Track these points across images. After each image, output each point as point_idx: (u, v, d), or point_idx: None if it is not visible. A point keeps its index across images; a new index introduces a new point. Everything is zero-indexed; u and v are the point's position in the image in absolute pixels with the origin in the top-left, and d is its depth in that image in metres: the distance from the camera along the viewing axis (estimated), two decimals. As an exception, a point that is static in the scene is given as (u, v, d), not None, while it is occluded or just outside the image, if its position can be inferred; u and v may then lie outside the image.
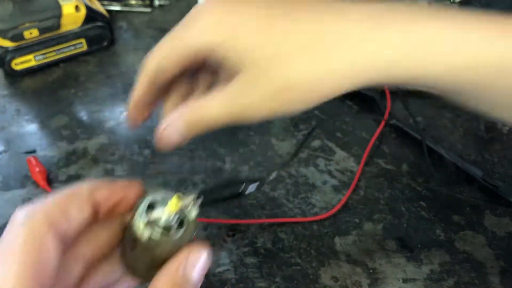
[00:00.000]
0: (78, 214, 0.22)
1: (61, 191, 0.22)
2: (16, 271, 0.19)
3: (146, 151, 0.47)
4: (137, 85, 0.31)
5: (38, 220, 0.20)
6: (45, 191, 0.43)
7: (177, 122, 0.27)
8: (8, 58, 0.55)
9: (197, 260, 0.22)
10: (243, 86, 0.25)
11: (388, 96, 0.51)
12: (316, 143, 0.48)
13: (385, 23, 0.24)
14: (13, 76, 0.57)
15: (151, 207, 0.23)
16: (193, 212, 0.23)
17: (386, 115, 0.49)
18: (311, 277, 0.36)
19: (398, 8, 0.25)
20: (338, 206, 0.41)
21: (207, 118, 0.26)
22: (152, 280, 0.21)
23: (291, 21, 0.25)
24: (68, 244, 0.22)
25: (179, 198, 0.23)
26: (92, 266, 0.24)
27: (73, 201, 0.22)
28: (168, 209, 0.22)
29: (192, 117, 0.27)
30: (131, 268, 0.24)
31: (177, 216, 0.23)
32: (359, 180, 0.43)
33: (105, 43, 0.61)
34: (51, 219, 0.21)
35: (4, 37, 0.54)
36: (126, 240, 0.23)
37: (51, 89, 0.56)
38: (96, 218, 0.23)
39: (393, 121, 0.48)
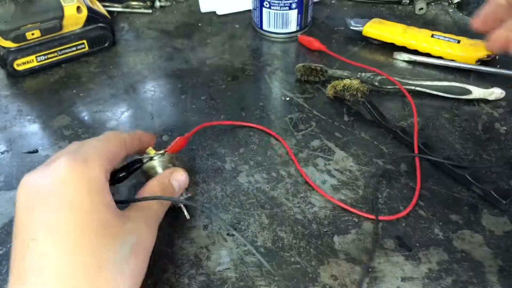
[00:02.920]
0: (120, 157, 0.37)
1: (109, 137, 0.36)
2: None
3: (147, 151, 0.47)
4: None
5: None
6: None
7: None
8: (10, 58, 0.56)
9: (177, 175, 0.39)
10: None
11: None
12: (315, 143, 0.48)
13: None
14: (15, 77, 0.58)
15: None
16: (162, 157, 0.40)
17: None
18: (310, 275, 0.36)
19: None
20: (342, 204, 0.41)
21: None
22: (147, 181, 0.38)
23: None
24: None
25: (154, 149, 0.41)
26: None
27: (120, 150, 0.36)
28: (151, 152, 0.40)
29: None
30: None
31: (157, 155, 0.40)
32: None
33: (106, 44, 0.61)
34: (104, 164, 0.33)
35: (6, 38, 0.55)
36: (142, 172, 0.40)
37: (53, 90, 0.56)
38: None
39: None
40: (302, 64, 0.55)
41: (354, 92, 0.50)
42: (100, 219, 0.30)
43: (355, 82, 0.51)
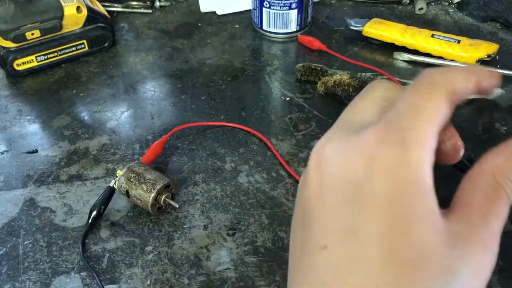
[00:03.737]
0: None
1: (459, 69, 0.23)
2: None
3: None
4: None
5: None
6: (48, 189, 0.44)
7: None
8: (10, 58, 0.56)
9: None
10: None
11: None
12: (315, 143, 0.48)
13: None
14: (15, 77, 0.58)
15: None
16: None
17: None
18: (310, 275, 0.36)
19: None
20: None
21: None
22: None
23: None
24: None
25: None
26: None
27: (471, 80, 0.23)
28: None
29: None
30: None
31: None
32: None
33: (106, 44, 0.61)
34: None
35: (6, 38, 0.55)
36: None
37: (53, 90, 0.56)
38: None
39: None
40: (302, 64, 0.55)
41: (346, 87, 0.51)
42: (419, 243, 0.19)
43: (346, 77, 0.51)
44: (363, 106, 0.24)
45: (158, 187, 0.39)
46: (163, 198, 0.40)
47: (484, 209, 0.21)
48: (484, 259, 0.21)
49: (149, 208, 0.40)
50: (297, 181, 0.44)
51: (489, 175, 0.22)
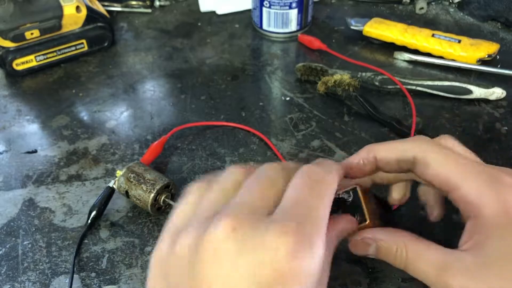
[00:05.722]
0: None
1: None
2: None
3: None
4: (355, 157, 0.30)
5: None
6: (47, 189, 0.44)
7: (370, 241, 0.28)
8: (9, 58, 0.55)
9: None
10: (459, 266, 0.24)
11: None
12: (315, 143, 0.48)
13: None
14: (14, 76, 0.58)
15: None
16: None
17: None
18: (310, 276, 0.36)
19: None
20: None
21: (400, 259, 0.27)
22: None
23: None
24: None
25: None
26: None
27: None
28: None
29: (388, 246, 0.27)
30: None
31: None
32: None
33: (105, 44, 0.61)
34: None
35: (5, 38, 0.55)
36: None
37: (52, 89, 0.56)
38: None
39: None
40: (302, 64, 0.55)
41: (346, 87, 0.50)
42: None
43: (346, 77, 0.51)
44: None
45: (157, 187, 0.39)
46: (162, 198, 0.40)
47: None
48: None
49: (149, 208, 0.39)
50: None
51: None
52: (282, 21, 0.62)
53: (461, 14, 0.67)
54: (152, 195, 0.39)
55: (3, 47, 0.56)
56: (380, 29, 0.60)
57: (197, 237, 0.22)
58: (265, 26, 0.63)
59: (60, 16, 0.57)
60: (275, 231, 0.21)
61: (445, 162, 0.26)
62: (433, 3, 0.69)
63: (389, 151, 0.28)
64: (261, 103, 0.53)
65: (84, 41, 0.59)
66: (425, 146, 0.27)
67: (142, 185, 0.39)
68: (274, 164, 0.26)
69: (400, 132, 0.47)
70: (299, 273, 0.20)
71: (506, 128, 0.49)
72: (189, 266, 0.22)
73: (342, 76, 0.51)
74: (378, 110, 0.49)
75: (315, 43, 0.60)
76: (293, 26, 0.62)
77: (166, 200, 0.40)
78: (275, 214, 0.22)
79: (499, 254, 0.23)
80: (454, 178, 0.26)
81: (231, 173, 0.26)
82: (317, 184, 0.24)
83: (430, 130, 0.49)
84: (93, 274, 0.37)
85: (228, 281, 0.20)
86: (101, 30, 0.60)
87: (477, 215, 0.25)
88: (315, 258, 0.21)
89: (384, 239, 0.27)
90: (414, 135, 0.46)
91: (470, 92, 0.51)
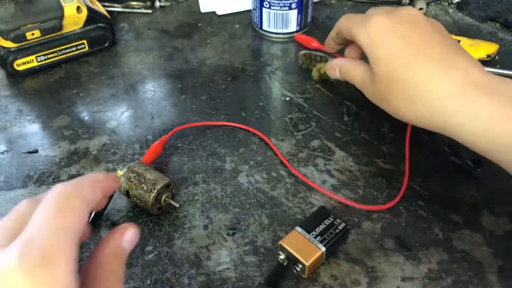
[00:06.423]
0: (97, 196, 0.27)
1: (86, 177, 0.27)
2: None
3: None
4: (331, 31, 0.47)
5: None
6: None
7: (335, 66, 0.44)
8: (10, 58, 0.56)
9: (128, 235, 0.28)
10: (368, 77, 0.39)
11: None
12: (315, 143, 0.48)
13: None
14: (15, 77, 0.58)
15: None
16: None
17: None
18: (310, 275, 0.36)
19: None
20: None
21: (349, 76, 0.42)
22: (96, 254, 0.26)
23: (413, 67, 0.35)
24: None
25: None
26: None
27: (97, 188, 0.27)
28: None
29: (344, 69, 0.42)
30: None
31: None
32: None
33: (106, 44, 0.61)
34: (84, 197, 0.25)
35: (6, 38, 0.55)
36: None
37: (53, 90, 0.56)
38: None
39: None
40: (304, 52, 0.56)
41: None
42: None
43: None
44: None
45: (158, 186, 0.39)
46: (163, 198, 0.40)
47: None
48: None
49: (150, 208, 0.40)
50: (297, 181, 0.44)
51: None
52: (282, 22, 0.62)
53: (460, 14, 0.67)
54: (153, 194, 0.39)
55: (4, 48, 0.56)
56: (379, 29, 0.60)
57: None
58: (265, 27, 0.63)
59: (60, 17, 0.57)
60: (3, 254, 0.21)
61: (347, 22, 0.42)
62: (432, 3, 0.69)
63: (333, 32, 0.46)
64: (261, 103, 0.53)
65: (84, 41, 0.59)
66: (342, 20, 0.44)
67: (143, 185, 0.40)
68: (27, 198, 0.26)
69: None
70: (36, 282, 0.21)
71: (505, 128, 0.49)
72: None
73: None
74: None
75: (313, 42, 0.60)
76: (293, 27, 0.63)
77: (167, 199, 0.40)
78: (12, 242, 0.22)
79: (375, 60, 0.37)
80: (348, 30, 0.42)
81: (15, 209, 0.26)
82: (60, 200, 0.24)
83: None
84: (94, 274, 0.37)
85: None
86: (102, 30, 0.60)
87: (363, 48, 0.39)
88: (53, 272, 0.21)
89: (339, 64, 0.43)
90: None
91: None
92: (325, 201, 0.42)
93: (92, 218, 0.40)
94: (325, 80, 0.55)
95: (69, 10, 0.57)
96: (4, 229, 0.24)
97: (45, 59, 0.58)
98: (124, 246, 0.28)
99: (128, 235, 0.28)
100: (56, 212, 0.23)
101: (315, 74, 0.55)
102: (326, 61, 0.55)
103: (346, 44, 0.46)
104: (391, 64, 0.35)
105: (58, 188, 0.25)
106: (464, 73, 0.33)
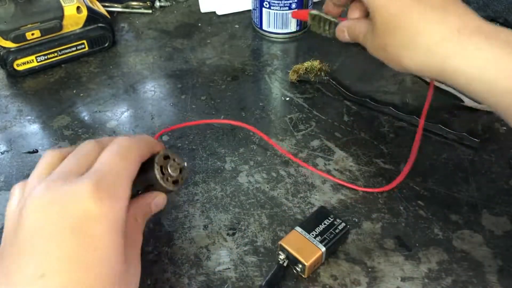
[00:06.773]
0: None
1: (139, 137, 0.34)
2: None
3: (147, 151, 0.47)
4: None
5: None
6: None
7: (343, 28, 0.42)
8: (10, 58, 0.56)
9: (159, 200, 0.34)
10: (369, 31, 0.38)
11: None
12: (315, 143, 0.48)
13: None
14: (15, 77, 0.58)
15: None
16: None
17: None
18: (310, 275, 0.36)
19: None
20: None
21: (355, 35, 0.41)
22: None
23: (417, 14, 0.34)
24: None
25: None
26: None
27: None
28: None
29: (350, 30, 0.41)
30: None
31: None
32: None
33: (106, 44, 0.61)
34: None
35: (6, 38, 0.55)
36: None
37: (53, 90, 0.56)
38: None
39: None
40: (314, 13, 0.46)
41: (318, 73, 0.53)
42: (116, 267, 0.28)
43: (316, 63, 0.54)
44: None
45: (156, 160, 0.34)
46: (169, 165, 0.35)
47: None
48: (139, 271, 0.32)
49: (164, 184, 0.34)
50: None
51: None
52: (282, 22, 0.62)
53: (461, 14, 0.67)
54: (156, 169, 0.34)
55: (4, 48, 0.56)
56: (379, 29, 0.60)
57: (26, 197, 0.28)
58: (265, 27, 0.63)
59: (60, 17, 0.57)
60: (80, 182, 0.27)
61: None
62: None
63: None
64: (261, 103, 0.53)
65: (84, 41, 0.59)
66: None
67: (143, 173, 0.33)
68: (92, 140, 0.33)
69: (376, 108, 0.51)
70: (101, 214, 0.27)
71: (505, 128, 0.49)
72: (18, 219, 0.27)
73: (312, 62, 0.54)
74: (350, 90, 0.52)
75: (310, 11, 0.56)
76: (292, 27, 0.63)
77: (175, 163, 0.35)
78: (85, 173, 0.29)
79: (374, 9, 0.36)
80: None
81: (81, 147, 0.32)
82: (123, 149, 0.31)
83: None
84: (94, 274, 0.37)
85: (43, 228, 0.26)
86: (102, 30, 0.60)
87: (370, 8, 0.37)
88: (115, 204, 0.28)
89: (346, 25, 0.42)
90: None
91: (461, 101, 0.51)
92: (325, 201, 0.42)
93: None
94: (302, 80, 0.55)
95: (69, 10, 0.57)
96: (76, 162, 0.30)
97: (45, 59, 0.58)
98: (152, 206, 0.34)
99: (157, 199, 0.34)
100: (120, 158, 0.30)
101: (292, 76, 0.55)
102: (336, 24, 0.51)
103: (345, 5, 0.44)
104: (388, 12, 0.35)
105: (121, 139, 0.32)
106: (460, 18, 0.33)
